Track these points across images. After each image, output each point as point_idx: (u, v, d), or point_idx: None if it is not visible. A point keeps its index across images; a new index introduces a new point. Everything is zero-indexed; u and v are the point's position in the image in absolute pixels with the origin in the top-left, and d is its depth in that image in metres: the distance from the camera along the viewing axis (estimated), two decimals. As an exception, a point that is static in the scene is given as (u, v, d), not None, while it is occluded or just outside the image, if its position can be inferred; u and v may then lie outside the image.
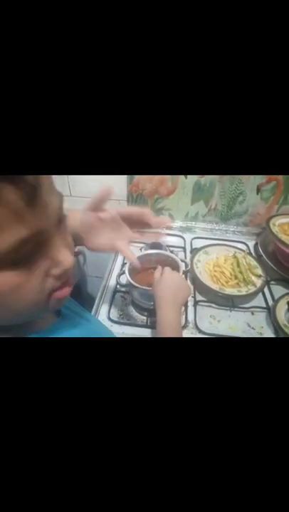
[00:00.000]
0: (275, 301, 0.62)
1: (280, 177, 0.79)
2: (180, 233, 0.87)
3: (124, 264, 0.73)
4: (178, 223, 0.89)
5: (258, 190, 0.82)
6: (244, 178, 0.80)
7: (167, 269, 0.53)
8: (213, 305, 0.64)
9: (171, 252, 0.76)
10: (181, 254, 0.79)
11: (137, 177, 0.84)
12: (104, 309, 0.62)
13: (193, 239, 0.84)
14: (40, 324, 0.28)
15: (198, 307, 0.63)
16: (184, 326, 0.59)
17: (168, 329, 0.44)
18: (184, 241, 0.84)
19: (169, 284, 0.49)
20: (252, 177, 0.79)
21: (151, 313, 0.60)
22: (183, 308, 0.57)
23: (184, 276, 0.56)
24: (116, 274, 0.70)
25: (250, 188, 0.82)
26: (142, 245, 0.79)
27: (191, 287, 0.67)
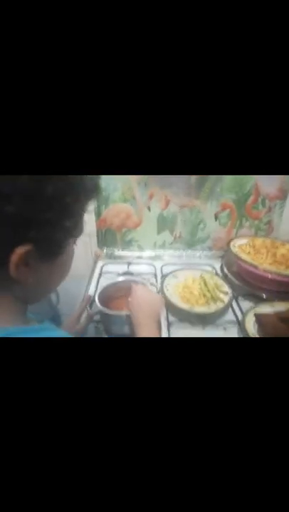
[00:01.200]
0: (244, 315, 0.65)
1: (233, 205, 0.89)
2: (150, 261, 0.91)
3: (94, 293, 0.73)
4: (147, 253, 0.94)
5: (216, 217, 0.91)
6: (202, 207, 0.89)
7: (136, 288, 0.54)
8: (187, 324, 0.65)
9: (143, 278, 0.79)
10: (152, 280, 0.81)
11: (104, 213, 0.89)
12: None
13: (162, 266, 0.87)
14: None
15: (171, 329, 0.64)
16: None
17: None
18: (154, 268, 0.87)
19: (138, 302, 0.50)
20: (208, 206, 0.88)
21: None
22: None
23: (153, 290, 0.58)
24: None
25: (208, 215, 0.90)
26: (113, 275, 0.80)
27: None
